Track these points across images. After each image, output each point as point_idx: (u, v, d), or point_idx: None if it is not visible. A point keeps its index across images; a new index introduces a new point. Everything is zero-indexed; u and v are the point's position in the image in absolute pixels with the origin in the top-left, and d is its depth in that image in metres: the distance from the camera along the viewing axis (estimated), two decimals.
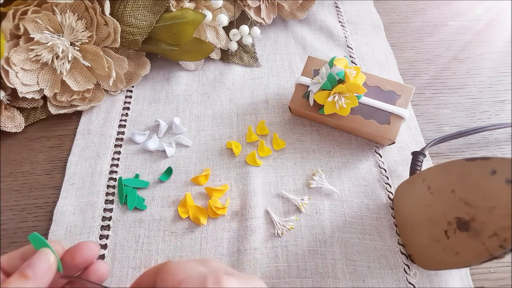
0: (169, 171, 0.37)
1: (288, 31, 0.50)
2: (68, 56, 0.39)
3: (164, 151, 0.39)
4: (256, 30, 0.46)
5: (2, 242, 0.34)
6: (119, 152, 0.39)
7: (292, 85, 0.44)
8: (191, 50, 0.43)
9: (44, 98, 0.41)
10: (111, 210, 0.35)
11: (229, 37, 0.47)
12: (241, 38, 0.47)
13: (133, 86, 0.45)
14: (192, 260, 0.21)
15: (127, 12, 0.39)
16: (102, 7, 0.38)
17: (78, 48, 0.39)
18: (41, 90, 0.40)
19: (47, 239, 0.33)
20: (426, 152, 0.37)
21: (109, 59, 0.40)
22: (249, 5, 0.46)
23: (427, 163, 0.37)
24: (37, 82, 0.39)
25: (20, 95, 0.38)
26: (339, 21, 0.51)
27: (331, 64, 0.35)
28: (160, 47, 0.42)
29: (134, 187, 0.36)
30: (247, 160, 0.38)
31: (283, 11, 0.49)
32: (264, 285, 0.19)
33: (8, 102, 0.40)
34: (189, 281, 0.18)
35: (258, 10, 0.47)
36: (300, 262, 0.32)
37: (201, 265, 0.20)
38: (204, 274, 0.18)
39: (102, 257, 0.33)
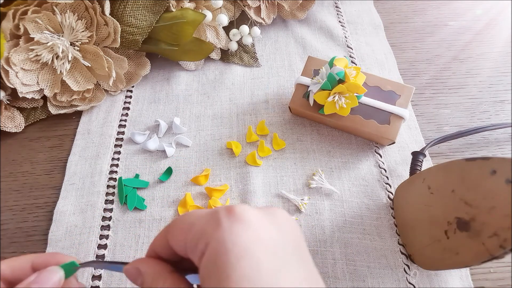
0: (169, 171, 0.37)
1: (288, 31, 0.50)
2: (68, 56, 0.39)
3: (164, 151, 0.39)
4: (256, 30, 0.46)
5: (2, 242, 0.34)
6: (119, 152, 0.39)
7: (292, 85, 0.44)
8: (191, 50, 0.43)
9: (44, 98, 0.41)
10: (111, 210, 0.35)
11: (229, 37, 0.47)
12: (241, 38, 0.47)
13: (133, 86, 0.45)
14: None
15: (127, 12, 0.39)
16: (102, 7, 0.38)
17: (78, 48, 0.39)
18: (41, 90, 0.40)
19: (47, 239, 0.33)
20: (426, 152, 0.37)
21: (109, 59, 0.40)
22: (249, 5, 0.46)
23: (427, 163, 0.37)
24: (37, 82, 0.39)
25: (20, 95, 0.38)
26: (339, 21, 0.51)
27: (331, 64, 0.35)
28: (160, 47, 0.42)
29: (134, 187, 0.36)
30: (247, 160, 0.38)
31: (283, 11, 0.49)
32: (285, 212, 0.18)
33: (8, 102, 0.40)
34: (199, 221, 0.16)
35: (258, 10, 0.47)
36: None
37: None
38: (214, 209, 0.17)
39: (102, 257, 0.33)
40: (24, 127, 0.41)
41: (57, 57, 0.39)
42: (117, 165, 0.38)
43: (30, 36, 0.37)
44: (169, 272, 0.17)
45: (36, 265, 0.20)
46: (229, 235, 0.15)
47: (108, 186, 0.37)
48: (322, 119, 0.38)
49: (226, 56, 0.47)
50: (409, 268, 0.31)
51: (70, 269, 0.20)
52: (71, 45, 0.39)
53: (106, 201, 0.36)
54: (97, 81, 0.42)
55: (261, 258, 0.14)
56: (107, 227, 0.34)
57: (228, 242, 0.14)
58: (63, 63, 0.39)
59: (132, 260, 0.18)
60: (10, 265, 0.19)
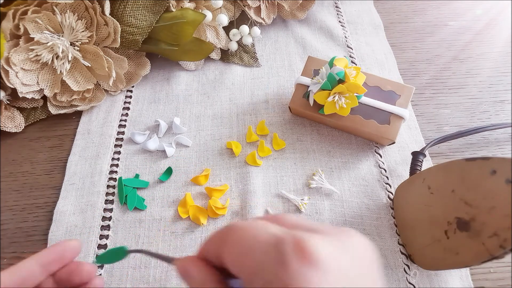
0: (169, 171, 0.37)
1: (288, 31, 0.50)
2: (68, 56, 0.39)
3: (164, 151, 0.39)
4: (256, 30, 0.46)
5: (2, 242, 0.34)
6: (119, 152, 0.39)
7: (292, 85, 0.44)
8: (191, 50, 0.43)
9: (44, 98, 0.41)
10: (111, 210, 0.35)
11: (229, 37, 0.47)
12: (241, 38, 0.47)
13: (133, 86, 0.45)
14: (261, 217, 0.17)
15: (127, 12, 0.39)
16: (102, 7, 0.38)
17: (78, 48, 0.39)
18: (41, 90, 0.40)
19: (47, 239, 0.33)
20: (426, 152, 0.37)
21: (109, 59, 0.40)
22: (249, 5, 0.46)
23: (427, 163, 0.37)
24: (37, 82, 0.39)
25: (20, 95, 0.38)
26: (339, 21, 0.51)
27: (331, 64, 0.35)
28: (160, 47, 0.42)
29: (134, 187, 0.36)
30: (247, 160, 0.38)
31: (283, 11, 0.49)
32: (361, 236, 0.16)
33: (8, 102, 0.40)
34: (259, 249, 0.14)
35: (258, 10, 0.47)
36: None
37: (273, 223, 0.16)
38: (278, 236, 0.14)
39: None
40: (24, 127, 0.41)
41: (57, 57, 0.39)
42: (117, 165, 0.38)
43: (30, 36, 0.37)
44: (215, 282, 0.16)
45: (45, 263, 0.20)
46: (297, 282, 0.12)
47: (108, 186, 0.37)
48: (322, 119, 0.38)
49: (226, 56, 0.47)
50: (409, 268, 0.31)
51: (121, 253, 0.21)
52: (71, 45, 0.39)
53: (106, 201, 0.36)
54: (97, 81, 0.42)
55: None
56: (107, 227, 0.34)
57: None
58: (63, 63, 0.39)
59: (184, 257, 0.18)
60: (16, 270, 0.19)
